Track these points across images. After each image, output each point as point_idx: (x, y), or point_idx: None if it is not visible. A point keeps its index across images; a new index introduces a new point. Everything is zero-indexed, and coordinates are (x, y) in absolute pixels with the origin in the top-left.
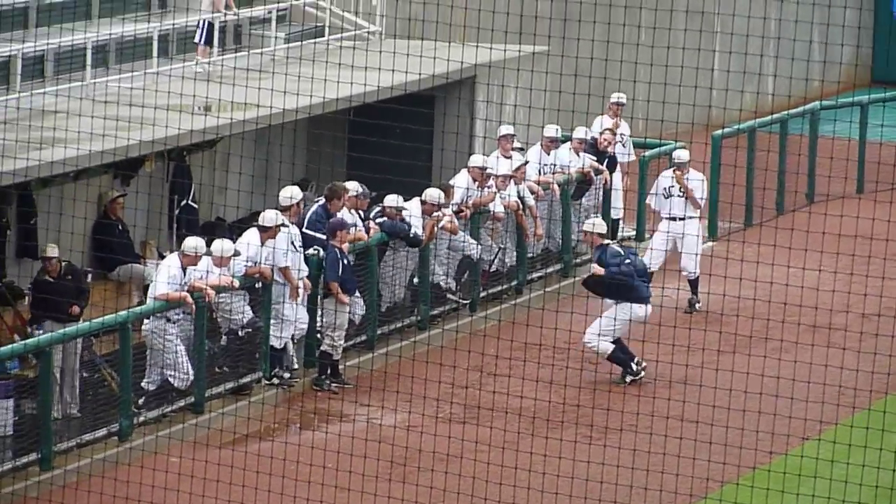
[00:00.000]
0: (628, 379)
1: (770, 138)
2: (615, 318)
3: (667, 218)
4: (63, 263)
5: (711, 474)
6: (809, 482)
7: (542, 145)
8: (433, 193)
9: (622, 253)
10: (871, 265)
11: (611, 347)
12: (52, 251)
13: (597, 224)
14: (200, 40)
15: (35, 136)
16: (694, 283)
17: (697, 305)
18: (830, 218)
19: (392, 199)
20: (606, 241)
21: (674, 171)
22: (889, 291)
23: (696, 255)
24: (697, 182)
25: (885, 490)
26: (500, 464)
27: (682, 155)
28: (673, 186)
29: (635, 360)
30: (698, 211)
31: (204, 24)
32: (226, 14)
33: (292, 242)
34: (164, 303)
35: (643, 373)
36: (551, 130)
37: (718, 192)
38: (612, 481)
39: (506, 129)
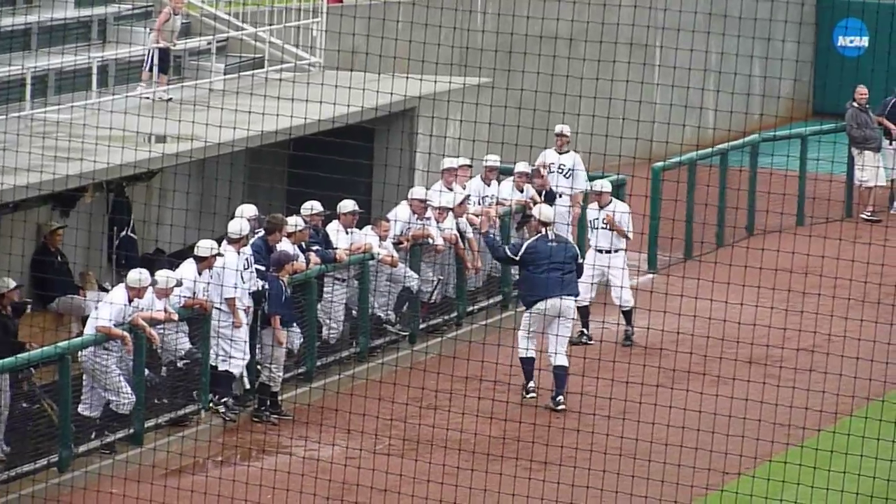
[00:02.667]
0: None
1: (710, 171)
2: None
3: (595, 250)
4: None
5: None
6: None
7: (482, 176)
8: (346, 203)
9: (546, 245)
10: (808, 299)
11: (527, 354)
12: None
13: (543, 211)
14: (152, 69)
15: None
16: (627, 315)
17: (633, 336)
18: (769, 252)
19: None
20: (543, 232)
21: (592, 200)
22: (825, 327)
23: (623, 287)
24: (624, 214)
25: None
26: (439, 498)
27: (602, 184)
28: (597, 219)
29: (530, 384)
30: (624, 242)
31: (152, 54)
32: (170, 45)
33: (245, 269)
34: (103, 336)
35: (528, 396)
36: (491, 160)
37: (659, 224)
38: None
39: (449, 162)
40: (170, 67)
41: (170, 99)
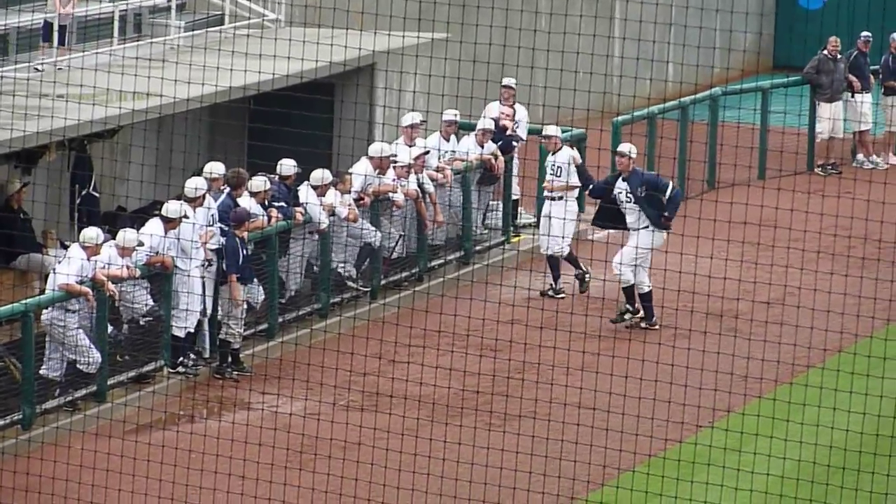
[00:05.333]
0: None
1: (670, 125)
2: (637, 247)
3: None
4: None
5: (609, 461)
6: (705, 470)
7: (441, 131)
8: (318, 175)
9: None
10: (769, 252)
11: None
12: None
13: (632, 148)
14: (49, 40)
15: None
16: (570, 259)
17: (587, 277)
18: (730, 205)
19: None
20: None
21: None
22: (789, 279)
23: (559, 236)
24: (563, 163)
25: (779, 479)
26: (401, 451)
27: (548, 129)
28: (552, 163)
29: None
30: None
31: (48, 24)
32: (70, 13)
33: (209, 225)
34: (65, 293)
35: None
36: (450, 114)
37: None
38: (511, 468)
39: (410, 118)
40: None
41: (57, 69)
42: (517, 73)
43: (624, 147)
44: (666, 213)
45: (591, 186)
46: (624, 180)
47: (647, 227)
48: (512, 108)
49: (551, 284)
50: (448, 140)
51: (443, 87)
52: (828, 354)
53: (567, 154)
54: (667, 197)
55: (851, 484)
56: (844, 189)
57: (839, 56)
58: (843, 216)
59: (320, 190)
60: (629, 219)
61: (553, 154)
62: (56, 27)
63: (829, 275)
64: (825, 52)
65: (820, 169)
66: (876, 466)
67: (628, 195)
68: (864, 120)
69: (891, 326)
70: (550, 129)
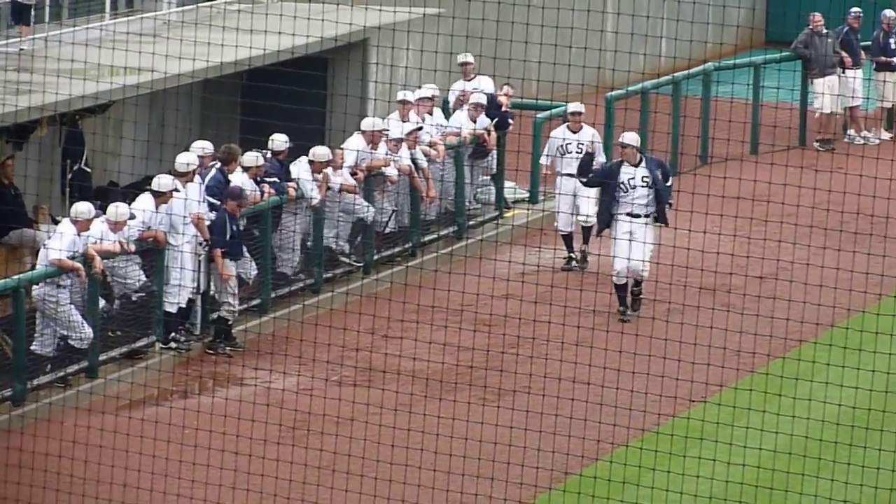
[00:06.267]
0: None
1: (663, 100)
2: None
3: (566, 175)
4: None
5: (603, 436)
6: (698, 444)
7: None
8: (321, 152)
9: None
10: (762, 227)
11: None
12: None
13: (637, 139)
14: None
15: None
16: (587, 231)
17: (586, 250)
18: (723, 180)
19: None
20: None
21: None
22: (783, 254)
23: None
24: (597, 142)
25: (771, 454)
26: (394, 426)
27: (576, 106)
28: (569, 143)
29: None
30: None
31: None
32: None
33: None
34: (56, 268)
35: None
36: (429, 90)
37: (612, 154)
38: (506, 443)
39: (404, 94)
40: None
41: (21, 50)
42: (513, 49)
43: (631, 138)
44: (671, 202)
45: (589, 175)
46: (635, 166)
47: (649, 216)
48: (470, 81)
49: (572, 256)
50: (423, 117)
51: (437, 62)
52: (820, 329)
53: (590, 132)
54: (669, 182)
55: (843, 458)
56: (837, 164)
57: (825, 31)
58: (835, 191)
59: (315, 166)
60: (637, 207)
61: (575, 133)
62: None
63: (822, 249)
64: (810, 27)
65: (819, 144)
66: (868, 441)
67: (644, 181)
68: (855, 95)
69: (883, 301)
70: (577, 106)
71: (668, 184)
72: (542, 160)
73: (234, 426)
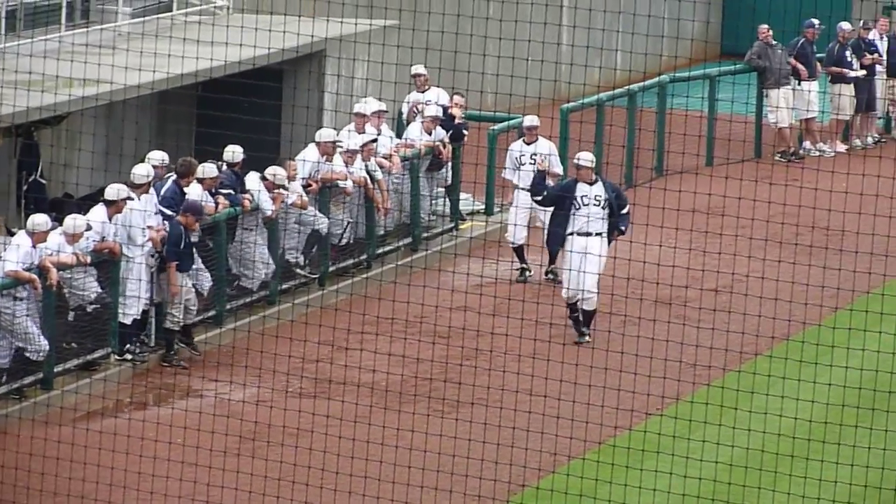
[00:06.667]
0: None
1: (618, 112)
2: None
3: (523, 189)
4: None
5: (559, 449)
6: (653, 457)
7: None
8: (280, 174)
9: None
10: (717, 240)
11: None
12: None
13: (594, 158)
14: None
15: None
16: (519, 253)
17: (529, 274)
18: (678, 193)
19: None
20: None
21: (523, 140)
22: (738, 267)
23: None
24: (552, 154)
25: (727, 466)
26: (351, 438)
27: (532, 119)
28: (523, 155)
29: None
30: (556, 180)
31: None
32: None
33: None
34: (12, 280)
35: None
36: (374, 104)
37: (567, 166)
38: (462, 455)
39: (361, 107)
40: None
41: None
42: (470, 61)
43: (586, 158)
44: (622, 227)
45: (544, 193)
46: (591, 185)
47: (602, 234)
48: (425, 93)
49: (525, 267)
50: (378, 130)
51: (393, 74)
52: (775, 342)
53: (547, 144)
54: (625, 211)
55: (799, 471)
56: (792, 177)
57: (774, 43)
58: (790, 204)
59: (268, 184)
60: (591, 224)
61: (530, 144)
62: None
63: (777, 262)
64: (761, 39)
65: (780, 156)
66: (823, 454)
67: (598, 199)
68: (810, 108)
69: (838, 314)
70: (532, 120)
71: (625, 212)
72: (506, 174)
73: (190, 438)
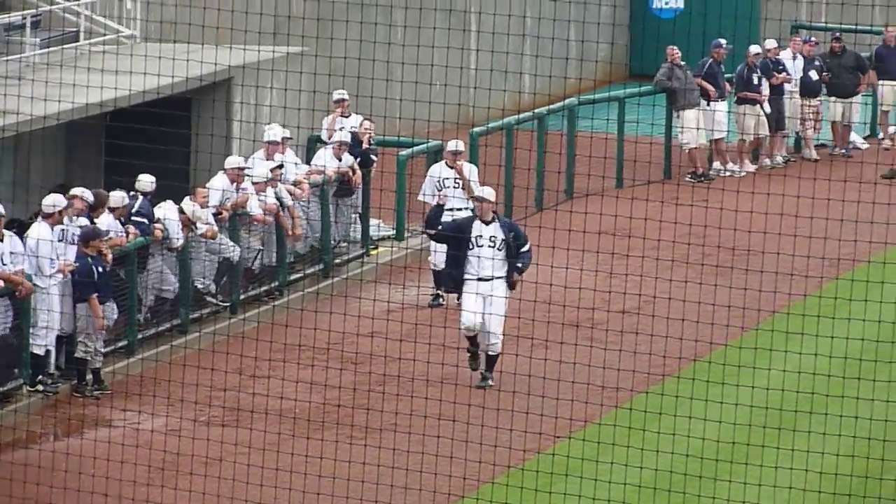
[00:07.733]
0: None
1: (527, 136)
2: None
3: (447, 210)
4: None
5: (469, 473)
6: (563, 480)
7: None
8: (199, 213)
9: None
10: (628, 261)
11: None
12: None
13: (492, 192)
14: None
15: None
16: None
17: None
18: (589, 215)
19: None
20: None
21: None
22: (645, 288)
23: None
24: (474, 171)
25: (636, 488)
26: (263, 465)
27: (457, 144)
28: (447, 178)
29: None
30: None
31: None
32: None
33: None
34: None
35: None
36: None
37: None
38: (374, 481)
39: (271, 135)
40: None
41: None
42: (373, 87)
43: (489, 193)
44: (519, 265)
45: (439, 227)
46: (488, 224)
47: (502, 277)
48: (348, 119)
49: (440, 293)
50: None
51: (302, 100)
52: (683, 363)
53: (468, 168)
54: (525, 249)
55: (708, 492)
56: (700, 197)
57: (682, 64)
58: (697, 225)
59: (183, 218)
60: (489, 268)
61: (451, 168)
62: None
63: (684, 283)
64: (669, 60)
65: (690, 177)
66: (732, 475)
67: (493, 240)
68: (718, 128)
69: (746, 334)
70: (457, 145)
71: (524, 249)
72: (424, 198)
73: (102, 468)
